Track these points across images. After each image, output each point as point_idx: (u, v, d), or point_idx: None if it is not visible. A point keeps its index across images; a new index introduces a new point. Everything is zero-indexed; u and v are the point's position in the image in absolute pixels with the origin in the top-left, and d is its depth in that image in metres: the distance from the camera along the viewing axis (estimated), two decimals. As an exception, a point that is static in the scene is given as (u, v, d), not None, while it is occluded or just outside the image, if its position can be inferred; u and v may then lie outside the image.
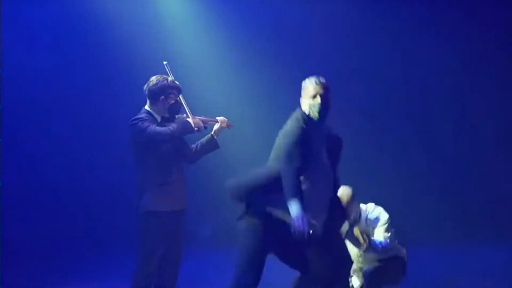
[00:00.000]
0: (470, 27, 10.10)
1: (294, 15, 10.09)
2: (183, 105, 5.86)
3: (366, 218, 5.80)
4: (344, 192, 5.64)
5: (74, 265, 8.70)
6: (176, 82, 5.85)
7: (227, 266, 8.76)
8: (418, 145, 10.25)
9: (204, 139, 5.99)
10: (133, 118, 5.76)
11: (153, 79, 5.83)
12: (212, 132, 5.99)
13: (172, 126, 5.69)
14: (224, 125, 6.00)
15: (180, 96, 5.86)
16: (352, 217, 5.72)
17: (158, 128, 5.65)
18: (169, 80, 5.81)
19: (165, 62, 5.89)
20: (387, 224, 5.77)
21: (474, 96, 10.23)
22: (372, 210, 5.84)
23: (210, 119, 5.97)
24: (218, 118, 6.02)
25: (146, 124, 5.66)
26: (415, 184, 10.11)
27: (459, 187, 10.19)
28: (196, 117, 5.86)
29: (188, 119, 5.77)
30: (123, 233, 8.25)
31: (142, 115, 5.77)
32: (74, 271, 8.39)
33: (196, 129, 5.80)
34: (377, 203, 5.98)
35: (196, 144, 6.00)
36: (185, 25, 9.97)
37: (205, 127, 5.91)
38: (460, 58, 10.14)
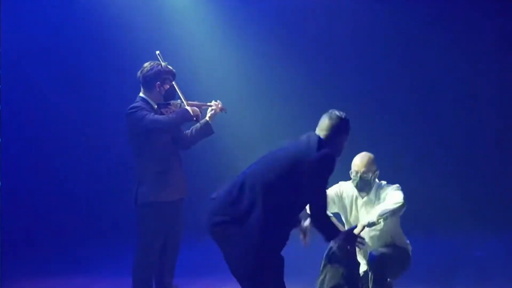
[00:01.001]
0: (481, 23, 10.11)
1: (298, 8, 10.10)
2: (177, 91, 5.81)
3: (377, 188, 5.76)
4: (366, 154, 5.74)
5: (77, 259, 8.70)
6: (170, 67, 5.81)
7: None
8: (429, 136, 10.23)
9: (198, 124, 5.89)
10: (129, 107, 5.71)
11: (147, 65, 5.78)
12: (207, 117, 5.89)
13: (171, 115, 5.66)
14: (218, 109, 5.90)
15: (173, 82, 5.81)
16: (370, 176, 5.71)
17: (157, 117, 5.62)
18: (162, 65, 5.76)
19: (157, 52, 5.83)
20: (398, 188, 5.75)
21: (485, 90, 10.22)
22: (384, 183, 5.83)
23: (204, 103, 5.90)
24: (212, 103, 5.92)
25: (144, 112, 5.62)
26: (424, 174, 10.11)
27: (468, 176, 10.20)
28: (190, 102, 5.81)
29: (187, 108, 5.71)
30: (124, 227, 8.22)
31: (138, 103, 5.72)
32: (77, 264, 8.41)
33: (194, 118, 5.74)
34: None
35: (190, 130, 5.91)
36: (186, 15, 9.97)
37: (200, 112, 5.82)
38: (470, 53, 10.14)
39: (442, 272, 7.68)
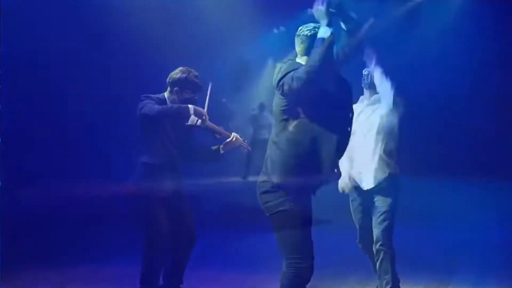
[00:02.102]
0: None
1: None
2: (205, 103, 5.72)
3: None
4: None
5: (83, 254, 8.65)
6: (196, 80, 5.77)
7: (235, 245, 8.84)
8: (430, 132, 10.30)
9: (211, 147, 5.93)
10: (144, 95, 5.75)
11: (178, 70, 5.80)
12: (221, 147, 5.91)
13: (168, 106, 5.64)
14: (236, 142, 5.88)
15: (196, 97, 5.78)
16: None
17: (155, 106, 5.59)
18: (190, 74, 5.76)
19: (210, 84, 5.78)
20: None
21: (484, 87, 10.30)
22: None
23: (224, 131, 5.84)
24: (232, 134, 5.90)
25: (148, 101, 5.63)
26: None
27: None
28: (210, 123, 5.75)
29: (189, 106, 5.62)
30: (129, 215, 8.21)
31: (154, 96, 5.74)
32: (82, 260, 8.34)
33: (191, 114, 5.59)
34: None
35: (202, 148, 5.96)
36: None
37: (216, 137, 5.80)
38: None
39: (445, 264, 7.71)
